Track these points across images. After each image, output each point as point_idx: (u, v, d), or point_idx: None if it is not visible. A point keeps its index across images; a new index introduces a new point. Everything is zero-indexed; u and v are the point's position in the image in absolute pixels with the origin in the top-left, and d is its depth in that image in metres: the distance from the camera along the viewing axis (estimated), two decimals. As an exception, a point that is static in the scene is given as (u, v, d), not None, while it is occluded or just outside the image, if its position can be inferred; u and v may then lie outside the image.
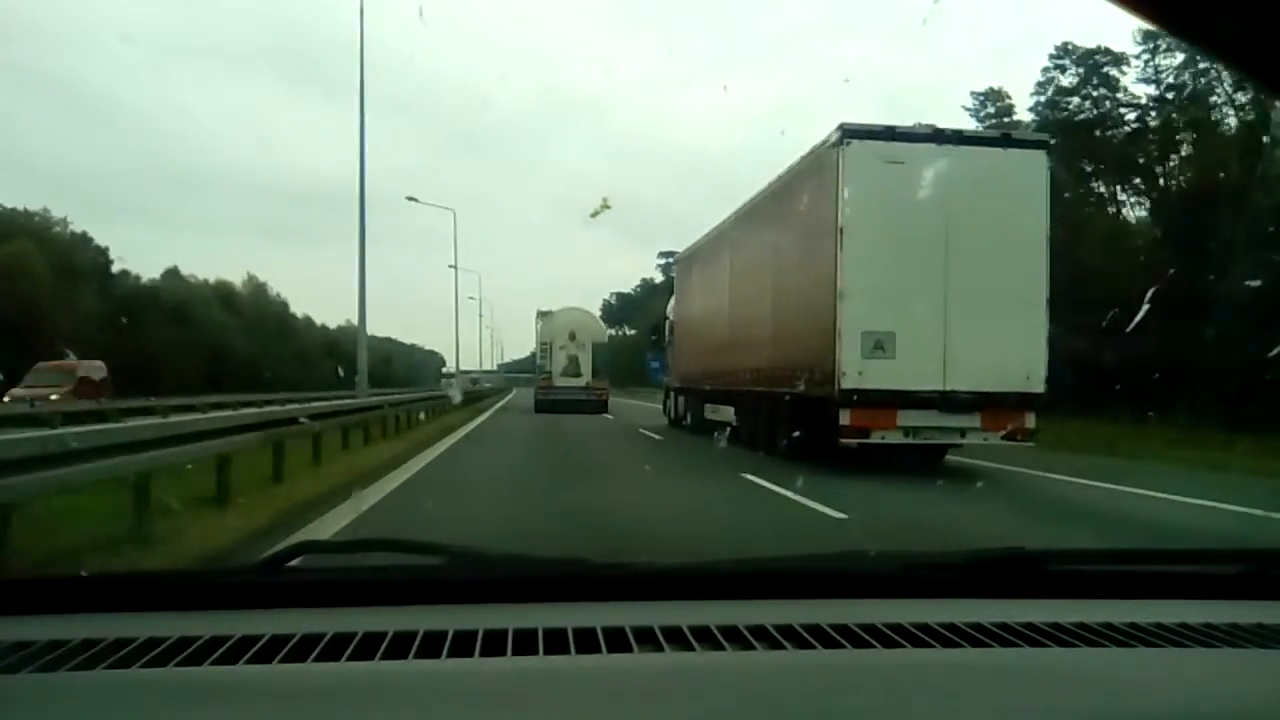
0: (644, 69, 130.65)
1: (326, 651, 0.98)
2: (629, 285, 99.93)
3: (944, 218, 9.48)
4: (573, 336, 28.77)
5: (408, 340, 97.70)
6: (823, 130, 11.65)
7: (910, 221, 9.56)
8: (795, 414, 10.92)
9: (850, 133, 9.49)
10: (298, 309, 61.08)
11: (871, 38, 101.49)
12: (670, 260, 31.46)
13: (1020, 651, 1.01)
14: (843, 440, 9.63)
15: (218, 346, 42.17)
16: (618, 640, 1.01)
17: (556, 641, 1.00)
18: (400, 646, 0.99)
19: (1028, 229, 9.56)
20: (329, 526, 5.77)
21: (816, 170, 10.34)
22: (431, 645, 0.99)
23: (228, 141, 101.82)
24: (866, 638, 1.03)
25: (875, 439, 9.62)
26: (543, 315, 30.22)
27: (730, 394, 14.69)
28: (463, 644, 0.99)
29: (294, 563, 1.24)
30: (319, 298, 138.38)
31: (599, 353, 29.19)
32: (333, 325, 66.49)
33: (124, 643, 0.99)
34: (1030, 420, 9.80)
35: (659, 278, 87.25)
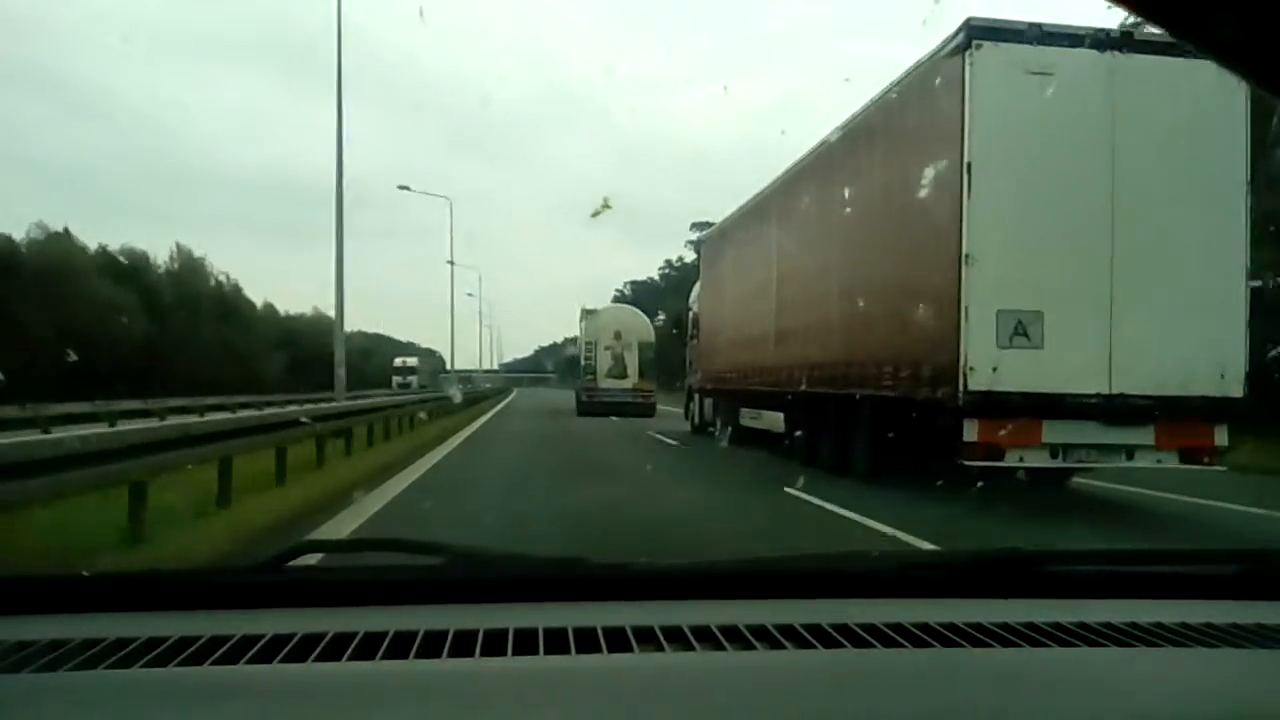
0: (644, 68, 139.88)
1: (327, 651, 1.20)
2: (634, 281, 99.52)
3: (1109, 152, 8.64)
4: (618, 336, 32.27)
5: (403, 338, 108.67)
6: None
7: (1063, 156, 8.77)
8: (886, 425, 10.22)
9: (980, 31, 8.63)
10: (259, 296, 62.80)
11: (873, 36, 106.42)
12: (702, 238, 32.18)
13: (1021, 651, 1.23)
14: (965, 462, 8.61)
15: (97, 332, 40.25)
16: (618, 640, 1.24)
17: (557, 641, 1.23)
18: (401, 646, 1.22)
19: (1221, 169, 8.77)
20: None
21: (929, 86, 9.50)
22: (432, 645, 1.22)
23: (224, 137, 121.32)
24: (867, 637, 1.26)
25: (1010, 461, 8.78)
26: (587, 313, 33.46)
27: (779, 396, 14.01)
28: (463, 644, 1.22)
29: (295, 562, 1.48)
30: (307, 293, 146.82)
31: (645, 352, 32.71)
32: (295, 312, 67.22)
33: (125, 642, 1.22)
34: (1221, 435, 9.01)
35: (689, 256, 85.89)
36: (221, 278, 57.16)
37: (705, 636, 1.25)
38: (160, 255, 52.84)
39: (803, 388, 12.57)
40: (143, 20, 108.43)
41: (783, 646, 1.23)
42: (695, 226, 77.78)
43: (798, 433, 13.26)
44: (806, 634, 1.26)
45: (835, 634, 1.26)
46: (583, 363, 32.45)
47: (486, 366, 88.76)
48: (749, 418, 16.08)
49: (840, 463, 11.24)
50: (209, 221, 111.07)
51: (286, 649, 1.19)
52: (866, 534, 7.67)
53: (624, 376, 31.56)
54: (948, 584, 1.50)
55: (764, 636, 1.25)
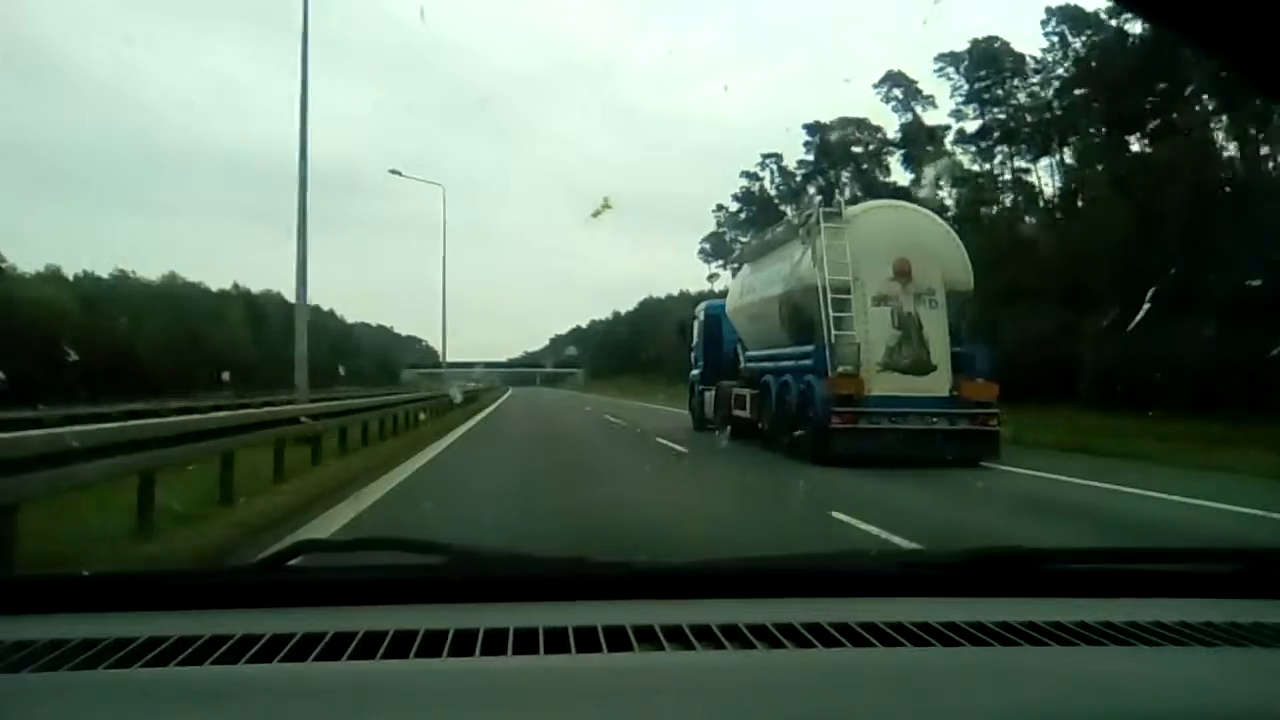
0: (645, 65, 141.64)
1: (327, 650, 1.22)
2: (634, 282, 72.03)
3: None
4: (904, 272, 13.75)
5: (391, 326, 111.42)
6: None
7: None
8: None
9: None
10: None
11: (875, 34, 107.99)
12: None
13: (1021, 650, 1.25)
14: None
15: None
16: (618, 639, 1.25)
17: (557, 640, 1.24)
18: (401, 645, 1.23)
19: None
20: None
21: None
22: (432, 644, 1.23)
23: (197, 111, 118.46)
24: (867, 636, 1.27)
25: None
26: (828, 217, 14.02)
27: None
28: (463, 643, 1.24)
29: (295, 562, 1.49)
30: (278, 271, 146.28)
31: (962, 309, 14.65)
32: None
33: (125, 642, 1.23)
34: None
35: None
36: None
37: (705, 636, 1.26)
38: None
39: None
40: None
41: (783, 646, 1.24)
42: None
43: None
44: (806, 633, 1.27)
45: (835, 633, 1.27)
46: (829, 339, 13.11)
47: (489, 359, 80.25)
48: None
49: None
50: (180, 203, 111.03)
51: (286, 649, 1.20)
52: None
53: (925, 370, 13.35)
54: (948, 583, 1.51)
55: (764, 636, 1.26)
